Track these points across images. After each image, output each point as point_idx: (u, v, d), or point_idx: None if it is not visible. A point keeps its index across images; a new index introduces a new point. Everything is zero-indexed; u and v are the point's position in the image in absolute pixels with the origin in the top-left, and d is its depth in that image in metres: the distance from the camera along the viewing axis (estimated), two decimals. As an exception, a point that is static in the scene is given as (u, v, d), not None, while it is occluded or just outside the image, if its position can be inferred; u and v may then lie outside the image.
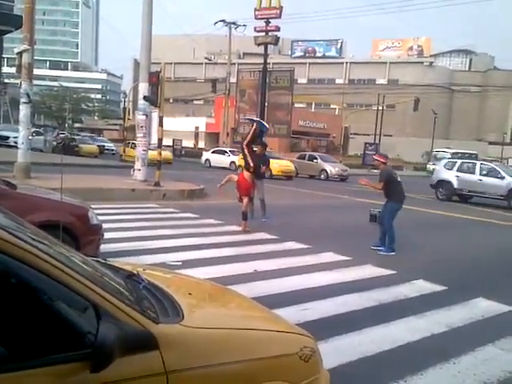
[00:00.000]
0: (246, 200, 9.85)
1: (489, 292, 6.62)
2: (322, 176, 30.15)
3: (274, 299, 5.34)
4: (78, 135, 45.92)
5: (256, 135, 10.37)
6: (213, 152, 36.03)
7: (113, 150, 44.60)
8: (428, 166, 43.30)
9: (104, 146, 43.90)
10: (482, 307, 6.04)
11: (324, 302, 5.72)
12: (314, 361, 2.41)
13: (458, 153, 44.48)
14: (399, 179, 9.30)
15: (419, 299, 6.20)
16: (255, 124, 10.37)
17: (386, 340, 4.68)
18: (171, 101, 69.67)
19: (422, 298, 6.25)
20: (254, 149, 10.72)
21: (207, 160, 35.47)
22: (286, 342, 2.41)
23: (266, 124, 12.35)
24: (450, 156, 42.47)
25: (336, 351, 4.26)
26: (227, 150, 34.74)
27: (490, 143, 68.85)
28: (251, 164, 9.74)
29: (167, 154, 30.83)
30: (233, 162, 31.24)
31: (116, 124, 74.20)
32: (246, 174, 9.93)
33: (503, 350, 4.72)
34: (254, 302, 3.09)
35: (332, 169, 30.37)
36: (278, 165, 27.41)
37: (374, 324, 5.08)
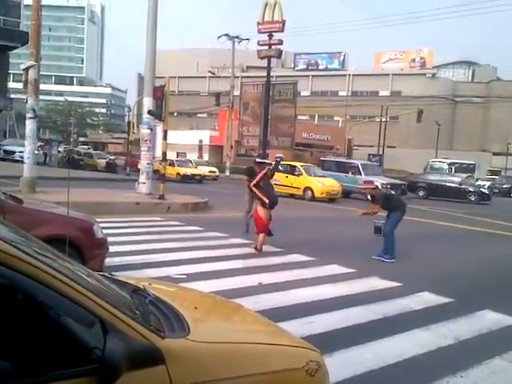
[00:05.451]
0: (261, 236, 9.43)
1: (495, 304, 6.57)
2: None
3: (278, 312, 5.32)
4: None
5: (266, 176, 9.78)
6: None
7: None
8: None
9: None
10: (489, 319, 6.00)
11: (329, 315, 5.69)
12: (320, 375, 2.39)
13: (456, 163, 44.17)
14: (393, 192, 9.90)
15: (425, 312, 6.16)
16: (266, 168, 9.84)
17: (392, 354, 4.65)
18: (175, 114, 69.90)
19: (428, 311, 6.21)
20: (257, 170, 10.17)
21: None
22: (292, 356, 2.40)
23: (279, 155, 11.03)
24: (447, 166, 42.09)
25: (341, 365, 4.23)
26: None
27: (494, 154, 68.67)
28: (266, 201, 9.38)
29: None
30: None
31: (120, 138, 74.44)
32: (261, 211, 9.49)
33: (511, 362, 4.68)
34: (259, 315, 3.08)
35: None
36: (321, 184, 22.98)
37: (380, 337, 5.04)
